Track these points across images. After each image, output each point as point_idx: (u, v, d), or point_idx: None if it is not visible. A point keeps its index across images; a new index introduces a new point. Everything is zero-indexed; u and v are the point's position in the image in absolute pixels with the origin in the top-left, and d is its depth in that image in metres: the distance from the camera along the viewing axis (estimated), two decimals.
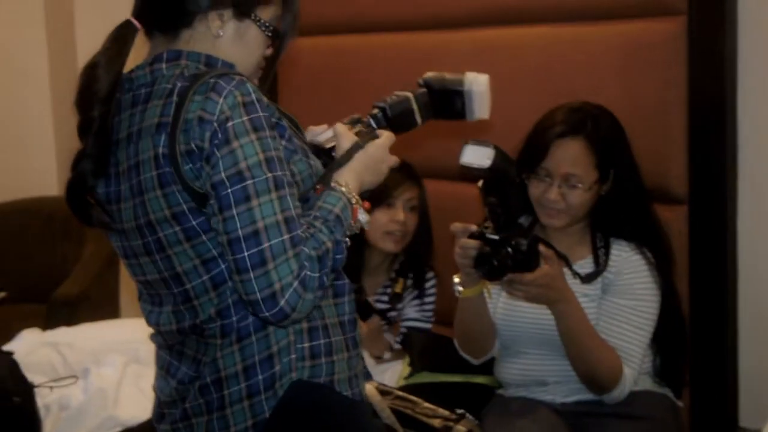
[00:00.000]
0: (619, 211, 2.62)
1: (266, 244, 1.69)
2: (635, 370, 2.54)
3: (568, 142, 2.54)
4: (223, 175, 1.71)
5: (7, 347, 3.42)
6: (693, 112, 2.85)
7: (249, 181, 1.71)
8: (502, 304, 2.68)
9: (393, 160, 2.03)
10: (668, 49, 2.86)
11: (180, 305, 1.88)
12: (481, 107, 2.13)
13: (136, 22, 1.91)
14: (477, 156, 2.24)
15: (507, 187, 2.37)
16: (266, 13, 1.92)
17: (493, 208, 2.40)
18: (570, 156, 2.54)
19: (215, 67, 1.86)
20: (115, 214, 1.89)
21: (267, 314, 1.71)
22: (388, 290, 3.33)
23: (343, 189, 1.87)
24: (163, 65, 1.86)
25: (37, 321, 4.08)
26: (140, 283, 1.98)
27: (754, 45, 2.79)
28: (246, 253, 1.70)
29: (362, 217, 1.89)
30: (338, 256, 1.80)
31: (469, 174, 2.33)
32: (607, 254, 2.60)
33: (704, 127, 2.85)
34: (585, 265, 2.62)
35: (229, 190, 1.71)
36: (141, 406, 2.98)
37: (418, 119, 2.12)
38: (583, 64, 3.08)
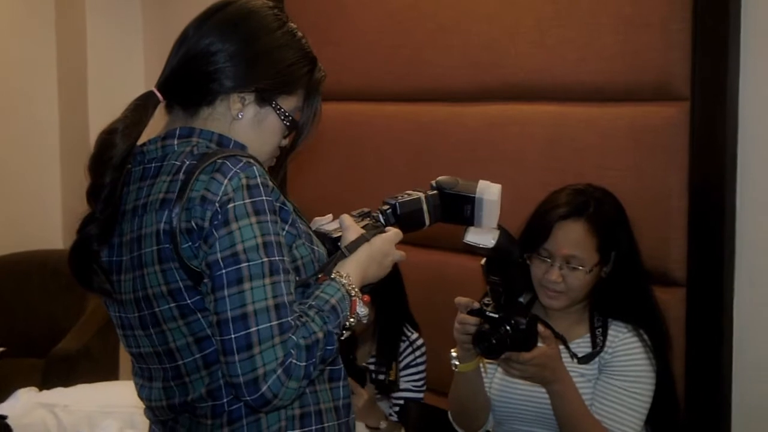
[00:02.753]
0: (619, 293, 2.62)
1: (254, 328, 1.67)
2: None
3: (570, 224, 2.56)
4: (218, 255, 1.70)
5: (1, 408, 3.39)
6: (693, 197, 2.88)
7: (243, 264, 1.69)
8: (497, 381, 2.68)
9: (398, 254, 2.02)
10: (672, 134, 2.89)
11: (170, 381, 1.87)
12: (489, 216, 2.15)
13: (158, 94, 1.92)
14: (481, 236, 2.22)
15: (510, 266, 2.37)
16: (287, 103, 1.94)
17: (495, 287, 2.40)
18: (572, 238, 2.55)
19: (227, 147, 1.86)
20: (116, 284, 1.90)
21: (248, 399, 1.69)
22: (380, 361, 3.29)
23: (344, 281, 1.85)
24: (175, 141, 1.87)
25: (36, 376, 4.06)
26: (132, 356, 1.98)
27: (754, 133, 2.82)
28: (233, 335, 1.67)
29: (361, 310, 1.86)
30: (329, 347, 1.77)
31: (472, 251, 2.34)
32: (604, 335, 2.60)
33: (704, 211, 2.87)
34: (582, 345, 2.62)
35: (223, 271, 1.70)
36: None
37: (427, 220, 2.13)
38: (589, 143, 3.11)
